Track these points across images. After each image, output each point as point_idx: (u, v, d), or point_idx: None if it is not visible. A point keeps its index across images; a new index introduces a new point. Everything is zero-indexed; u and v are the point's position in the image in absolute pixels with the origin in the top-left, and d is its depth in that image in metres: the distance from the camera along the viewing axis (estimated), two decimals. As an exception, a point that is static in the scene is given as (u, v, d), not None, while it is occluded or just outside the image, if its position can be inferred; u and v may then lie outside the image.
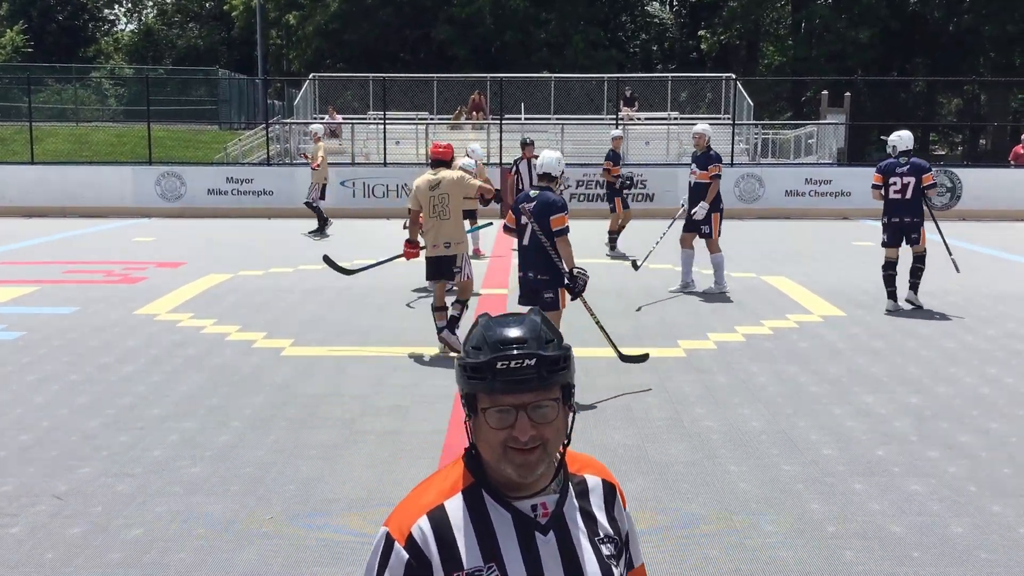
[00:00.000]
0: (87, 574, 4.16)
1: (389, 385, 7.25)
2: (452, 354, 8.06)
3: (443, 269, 8.29)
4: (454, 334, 8.20)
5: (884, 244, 10.26)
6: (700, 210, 11.20)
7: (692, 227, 11.39)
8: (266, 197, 20.92)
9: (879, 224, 10.56)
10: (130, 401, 6.79)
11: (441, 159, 8.56)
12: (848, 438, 6.01)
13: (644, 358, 7.60)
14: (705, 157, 11.37)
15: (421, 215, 8.48)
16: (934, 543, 4.51)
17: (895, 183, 10.08)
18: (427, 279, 8.36)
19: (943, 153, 44.53)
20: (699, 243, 11.36)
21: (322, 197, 17.30)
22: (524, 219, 6.95)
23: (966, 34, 37.70)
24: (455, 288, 8.99)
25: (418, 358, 8.10)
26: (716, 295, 11.06)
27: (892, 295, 10.19)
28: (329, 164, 22.78)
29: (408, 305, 10.15)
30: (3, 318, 9.56)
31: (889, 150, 10.34)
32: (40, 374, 7.49)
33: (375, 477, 5.31)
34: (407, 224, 8.90)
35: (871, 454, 5.71)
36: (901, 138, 10.23)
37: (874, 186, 10.30)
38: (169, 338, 8.77)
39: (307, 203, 17.28)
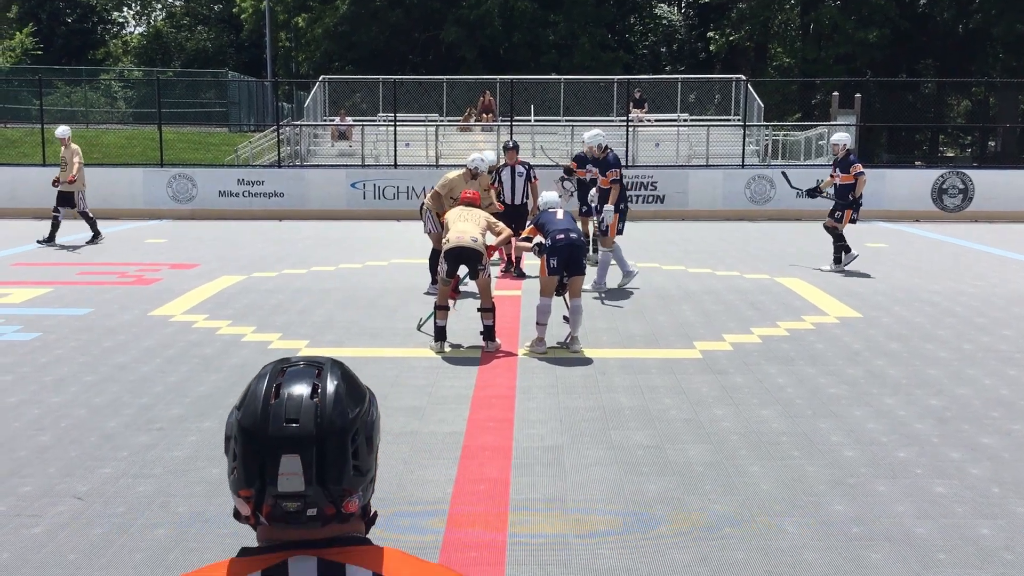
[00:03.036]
0: (111, 574, 4.15)
1: (405, 386, 7.24)
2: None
3: (469, 260, 8.21)
4: (495, 341, 8.32)
5: (855, 220, 13.04)
6: (607, 215, 11.33)
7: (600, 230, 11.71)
8: (277, 199, 20.93)
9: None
10: (148, 401, 6.78)
11: (472, 203, 8.83)
12: (870, 440, 5.98)
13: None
14: (603, 163, 11.51)
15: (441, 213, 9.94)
16: (959, 544, 4.48)
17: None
18: (447, 275, 8.27)
19: (952, 155, 44.42)
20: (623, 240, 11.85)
21: (68, 204, 15.85)
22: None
23: (975, 34, 37.62)
24: (463, 287, 9.29)
25: (432, 360, 8.08)
26: (591, 290, 10.99)
27: (840, 259, 12.91)
28: (340, 166, 22.91)
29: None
30: (19, 319, 9.57)
31: (847, 150, 13.04)
32: (57, 375, 7.49)
33: (395, 477, 5.30)
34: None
35: (893, 456, 5.68)
36: (849, 138, 13.37)
37: (861, 174, 12.82)
38: (185, 339, 8.78)
39: (81, 212, 16.09)
